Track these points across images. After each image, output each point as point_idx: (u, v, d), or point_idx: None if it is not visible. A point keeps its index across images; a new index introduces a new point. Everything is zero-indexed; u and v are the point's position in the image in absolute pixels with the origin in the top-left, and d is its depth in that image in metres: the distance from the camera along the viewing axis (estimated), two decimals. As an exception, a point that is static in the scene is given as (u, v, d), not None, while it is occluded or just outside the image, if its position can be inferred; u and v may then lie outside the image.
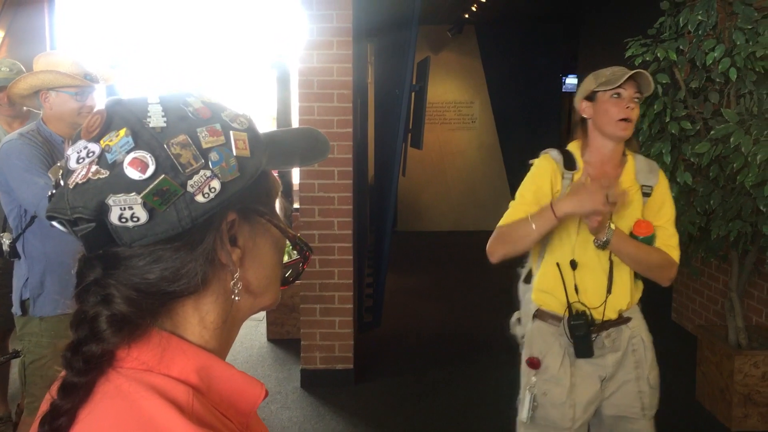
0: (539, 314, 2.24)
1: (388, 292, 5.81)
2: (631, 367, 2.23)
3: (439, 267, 7.72)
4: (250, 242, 0.74)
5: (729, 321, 3.70)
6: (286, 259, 0.82)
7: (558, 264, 2.18)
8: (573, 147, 2.24)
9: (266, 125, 6.78)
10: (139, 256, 0.66)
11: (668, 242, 2.17)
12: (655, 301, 5.79)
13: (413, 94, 5.80)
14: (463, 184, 9.69)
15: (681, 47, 3.35)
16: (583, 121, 2.22)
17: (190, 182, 0.65)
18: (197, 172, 0.66)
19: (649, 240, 2.12)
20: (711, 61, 3.22)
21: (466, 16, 8.39)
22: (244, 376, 0.72)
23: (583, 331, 2.15)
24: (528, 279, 2.33)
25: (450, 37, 9.26)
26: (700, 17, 3.27)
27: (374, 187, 7.11)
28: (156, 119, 0.67)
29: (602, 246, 2.09)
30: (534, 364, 2.20)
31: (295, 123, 5.46)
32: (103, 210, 0.64)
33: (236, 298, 0.73)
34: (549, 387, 2.19)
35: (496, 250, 2.16)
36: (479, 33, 9.38)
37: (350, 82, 4.13)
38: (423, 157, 9.05)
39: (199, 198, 0.66)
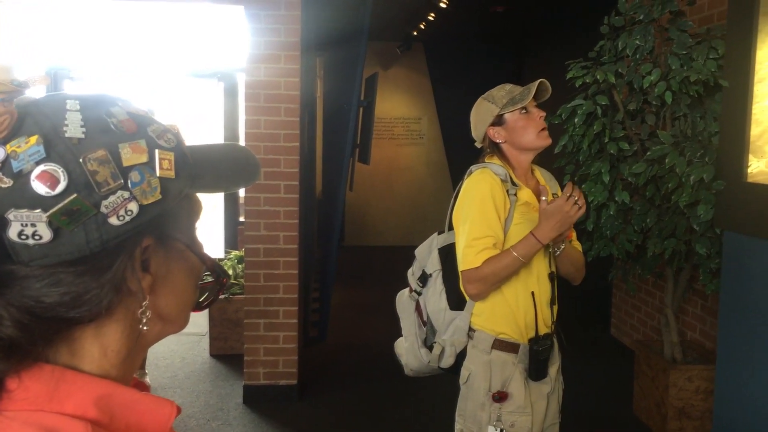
0: (497, 345, 2.11)
1: (335, 307, 5.80)
2: (557, 373, 2.24)
3: (386, 281, 7.69)
4: (163, 268, 0.69)
5: (664, 336, 3.81)
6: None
7: (533, 293, 2.11)
8: (498, 162, 2.19)
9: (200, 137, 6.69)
10: (37, 277, 0.60)
11: (576, 244, 2.26)
12: (595, 316, 5.96)
13: (361, 109, 5.83)
14: (411, 200, 9.76)
15: (620, 70, 3.45)
16: (496, 145, 2.20)
17: (104, 203, 0.60)
18: (114, 193, 0.60)
19: (570, 243, 2.21)
20: (648, 85, 3.32)
21: (415, 33, 8.48)
22: (149, 397, 0.67)
23: (547, 354, 2.13)
24: (458, 305, 2.16)
25: (399, 53, 9.35)
26: (637, 42, 3.38)
27: (322, 201, 7.10)
28: (74, 129, 0.61)
29: (558, 253, 2.13)
30: (503, 397, 2.08)
31: (242, 136, 5.41)
32: (1, 224, 0.57)
33: (144, 328, 0.67)
34: (516, 418, 2.08)
35: (483, 292, 2.07)
36: (428, 50, 9.49)
37: (298, 97, 4.13)
38: (371, 172, 9.08)
39: (113, 220, 0.60)
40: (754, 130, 2.97)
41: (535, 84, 2.13)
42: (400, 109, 9.72)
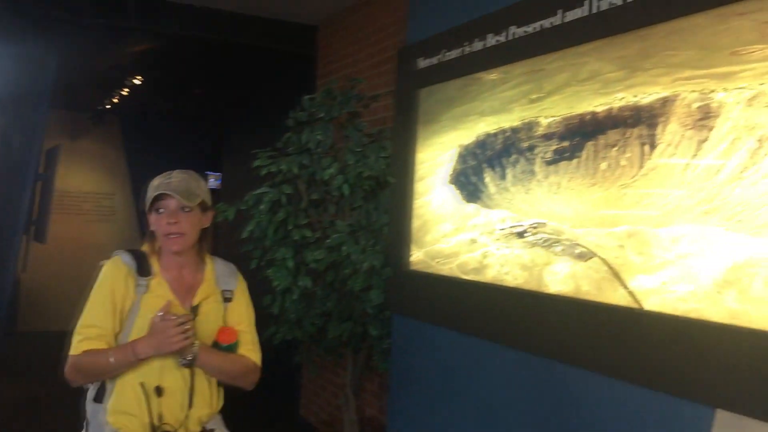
0: None
1: (1, 406, 5.07)
2: None
3: (64, 372, 6.99)
4: None
5: (345, 414, 3.99)
6: None
7: (143, 384, 2.01)
8: (148, 249, 2.12)
9: None
10: None
11: (251, 347, 2.18)
12: (284, 397, 6.02)
13: (39, 183, 5.35)
14: (101, 280, 9.10)
15: (304, 162, 3.66)
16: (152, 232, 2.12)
17: None
18: None
19: (233, 347, 2.11)
20: (328, 177, 3.56)
21: (109, 106, 8.13)
22: None
23: None
24: (99, 397, 2.05)
25: (91, 124, 8.87)
26: (319, 137, 3.63)
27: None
28: None
29: (188, 365, 2.02)
30: None
31: None
32: None
33: None
34: None
35: (77, 381, 2.02)
36: (123, 124, 9.17)
37: (-45, 167, 3.65)
38: (54, 250, 8.31)
39: None
40: (416, 223, 3.34)
41: (153, 195, 2.04)
42: (90, 183, 9.14)
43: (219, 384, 2.16)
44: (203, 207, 2.10)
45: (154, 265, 2.09)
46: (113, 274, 2.03)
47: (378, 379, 4.47)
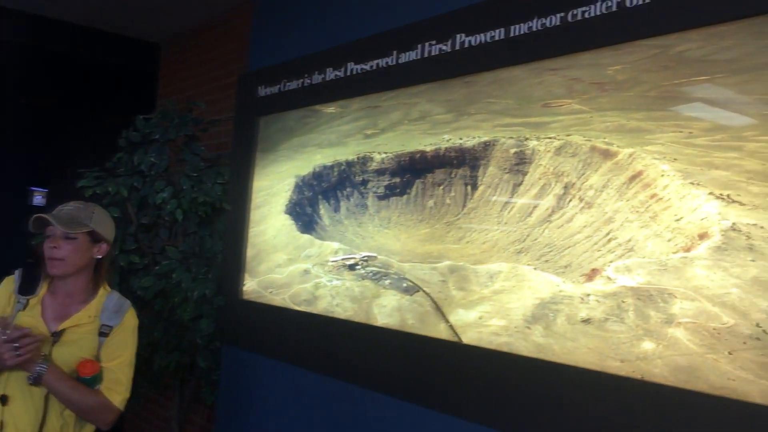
0: None
1: None
2: None
3: None
4: None
5: (169, 450, 3.81)
6: None
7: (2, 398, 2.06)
8: (43, 271, 2.18)
9: None
10: None
11: (113, 386, 2.16)
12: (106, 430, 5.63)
13: None
14: None
15: (135, 184, 3.49)
16: None
17: None
18: None
19: (92, 381, 2.09)
20: (161, 201, 3.42)
21: None
22: None
23: None
24: None
25: None
26: (152, 159, 3.49)
27: None
28: None
29: (33, 383, 2.03)
30: None
31: None
32: None
33: None
34: None
35: None
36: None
37: None
38: None
39: None
40: (250, 252, 3.29)
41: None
42: None
43: (81, 420, 2.16)
44: (95, 238, 2.17)
45: (44, 287, 2.17)
46: (2, 288, 2.18)
47: (206, 411, 4.32)
